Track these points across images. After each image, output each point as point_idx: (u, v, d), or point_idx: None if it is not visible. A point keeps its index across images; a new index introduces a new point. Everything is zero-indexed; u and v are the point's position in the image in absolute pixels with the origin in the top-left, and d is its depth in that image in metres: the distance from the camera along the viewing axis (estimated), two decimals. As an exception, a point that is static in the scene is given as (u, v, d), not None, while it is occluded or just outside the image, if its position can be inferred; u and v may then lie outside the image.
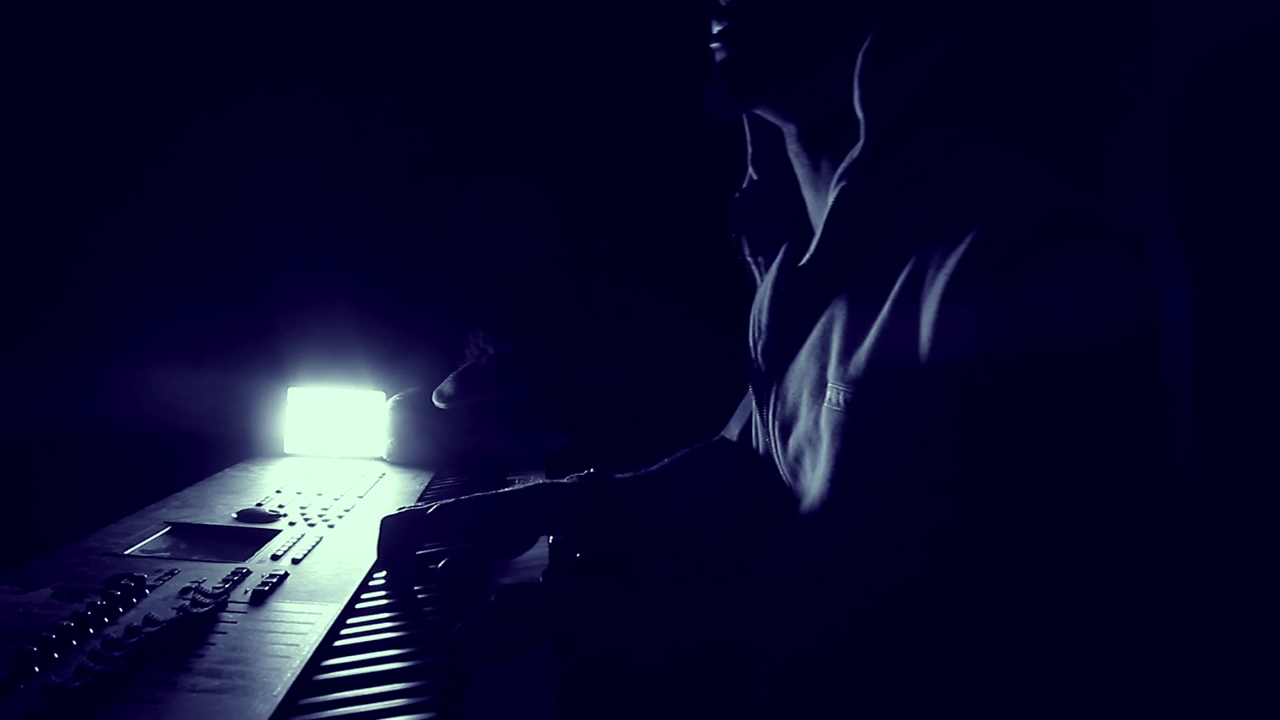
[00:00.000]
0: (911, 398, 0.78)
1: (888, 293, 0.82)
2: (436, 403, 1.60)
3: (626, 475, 1.08)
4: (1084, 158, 1.22)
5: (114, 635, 0.71)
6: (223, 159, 1.71)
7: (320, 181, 1.77)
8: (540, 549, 1.07)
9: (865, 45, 0.85)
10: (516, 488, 1.05)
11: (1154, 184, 1.13)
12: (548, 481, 1.06)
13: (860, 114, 0.85)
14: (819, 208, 0.95)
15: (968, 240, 0.76)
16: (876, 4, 0.85)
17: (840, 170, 0.87)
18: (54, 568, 0.90)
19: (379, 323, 1.77)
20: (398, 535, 0.96)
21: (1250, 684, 1.02)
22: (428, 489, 1.41)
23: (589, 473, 1.06)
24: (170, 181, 1.69)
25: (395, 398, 1.66)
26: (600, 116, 1.03)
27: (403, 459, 1.62)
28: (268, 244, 1.74)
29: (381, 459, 1.64)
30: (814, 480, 0.90)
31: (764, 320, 1.03)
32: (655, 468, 1.13)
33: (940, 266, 0.77)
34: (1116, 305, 0.73)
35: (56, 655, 0.68)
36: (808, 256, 0.92)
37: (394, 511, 1.01)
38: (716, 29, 0.91)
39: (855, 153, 0.85)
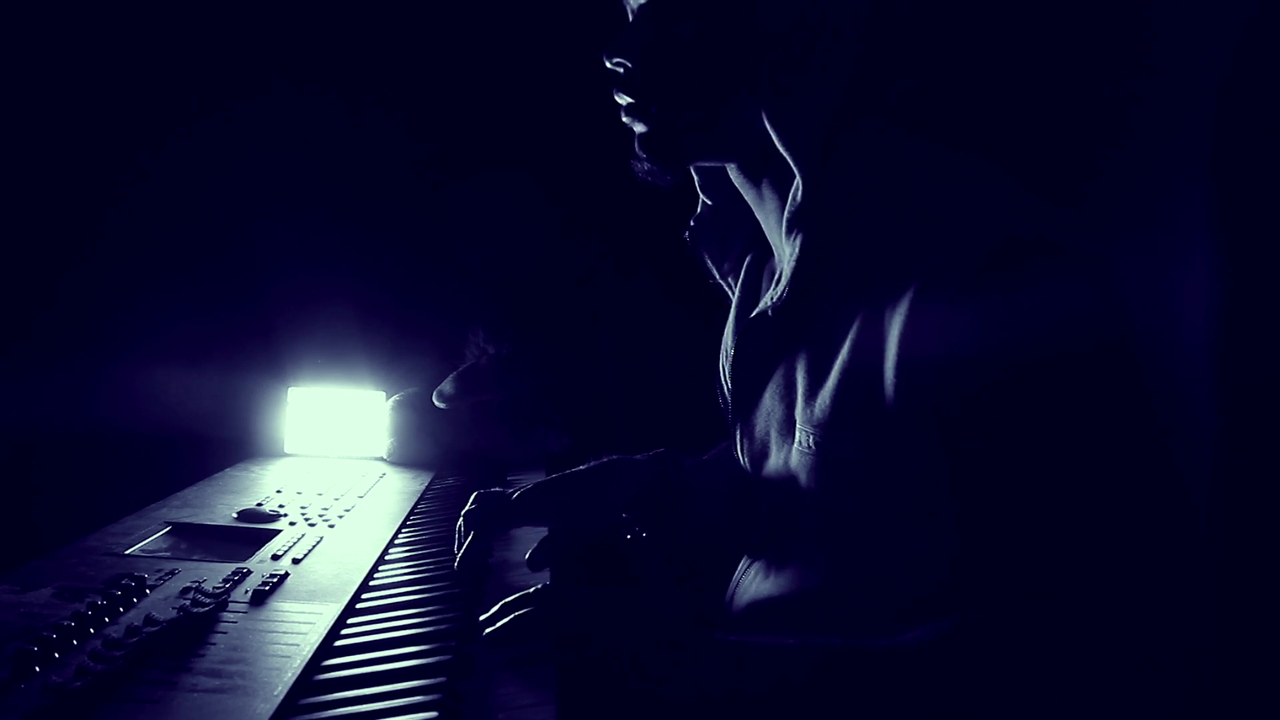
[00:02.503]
0: (880, 437, 0.77)
1: (846, 331, 0.81)
2: (437, 403, 1.60)
3: (689, 460, 1.10)
4: (1060, 165, 1.22)
5: (114, 635, 0.71)
6: (223, 158, 1.71)
7: (320, 181, 1.77)
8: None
9: (764, 91, 0.83)
10: (591, 466, 1.05)
11: (1190, 186, 1.12)
12: (620, 458, 1.07)
13: (786, 155, 0.83)
14: (774, 230, 0.93)
15: (918, 276, 0.74)
16: (765, 43, 0.82)
17: (789, 215, 0.85)
18: (54, 568, 0.90)
19: (379, 323, 1.77)
20: (488, 511, 0.99)
21: (1264, 688, 1.02)
22: (428, 489, 1.41)
23: (660, 452, 1.07)
24: (170, 181, 1.69)
25: (395, 398, 1.66)
26: (601, 116, 1.02)
27: (403, 459, 1.62)
28: (268, 244, 1.74)
29: (382, 459, 1.64)
30: (797, 516, 0.90)
31: (730, 345, 1.01)
32: (708, 456, 1.14)
33: (894, 305, 0.75)
34: (1075, 324, 0.71)
35: (57, 655, 0.68)
36: (774, 302, 0.89)
37: (484, 490, 1.04)
38: (623, 102, 0.91)
39: (799, 197, 0.84)
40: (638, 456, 1.08)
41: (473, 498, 1.04)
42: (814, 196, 0.83)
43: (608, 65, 0.91)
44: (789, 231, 0.86)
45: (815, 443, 0.82)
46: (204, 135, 1.69)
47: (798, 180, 0.84)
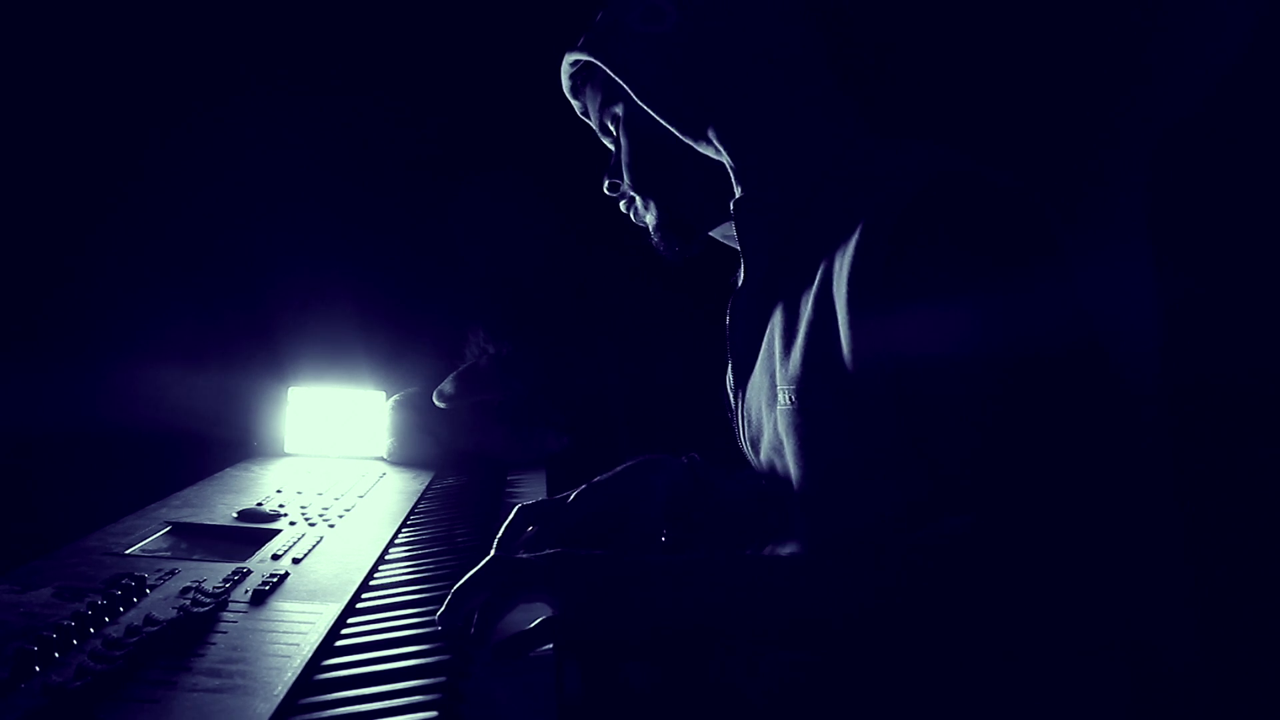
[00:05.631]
0: (847, 384, 0.81)
1: (810, 290, 0.86)
2: (437, 402, 1.60)
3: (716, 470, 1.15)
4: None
5: (114, 635, 0.71)
6: (223, 159, 1.71)
7: (320, 181, 1.77)
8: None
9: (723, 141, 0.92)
10: (631, 464, 1.10)
11: (1132, 198, 1.24)
12: (657, 457, 1.12)
13: (731, 172, 0.94)
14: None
15: (862, 223, 0.79)
16: (719, 109, 0.92)
17: (733, 207, 0.94)
18: (54, 567, 0.90)
19: (379, 323, 1.77)
20: (531, 522, 1.02)
21: (1246, 678, 1.04)
22: (428, 489, 1.41)
23: (692, 457, 1.13)
24: (170, 181, 1.69)
25: (395, 397, 1.66)
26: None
27: (403, 459, 1.62)
28: (268, 244, 1.74)
29: (382, 459, 1.64)
30: (789, 487, 0.92)
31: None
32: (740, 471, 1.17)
33: (844, 254, 0.81)
34: (1012, 248, 0.75)
35: (57, 655, 0.68)
36: (739, 282, 0.98)
37: (529, 503, 1.05)
38: (630, 210, 1.05)
39: (737, 192, 0.94)
40: (673, 458, 1.13)
41: (516, 511, 1.04)
42: (752, 189, 0.92)
43: (608, 193, 1.05)
44: (735, 220, 0.95)
45: (793, 399, 0.86)
46: (203, 134, 1.69)
47: (740, 190, 0.94)
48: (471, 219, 1.81)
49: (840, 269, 0.81)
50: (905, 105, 1.43)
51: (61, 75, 1.59)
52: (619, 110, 1.00)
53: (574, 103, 1.08)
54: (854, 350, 0.79)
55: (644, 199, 1.02)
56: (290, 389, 1.66)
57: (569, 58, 1.01)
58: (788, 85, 0.93)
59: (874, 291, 0.77)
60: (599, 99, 1.02)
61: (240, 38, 1.70)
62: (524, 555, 0.79)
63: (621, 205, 1.06)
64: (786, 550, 0.93)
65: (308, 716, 0.65)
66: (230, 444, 1.62)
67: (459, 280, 1.82)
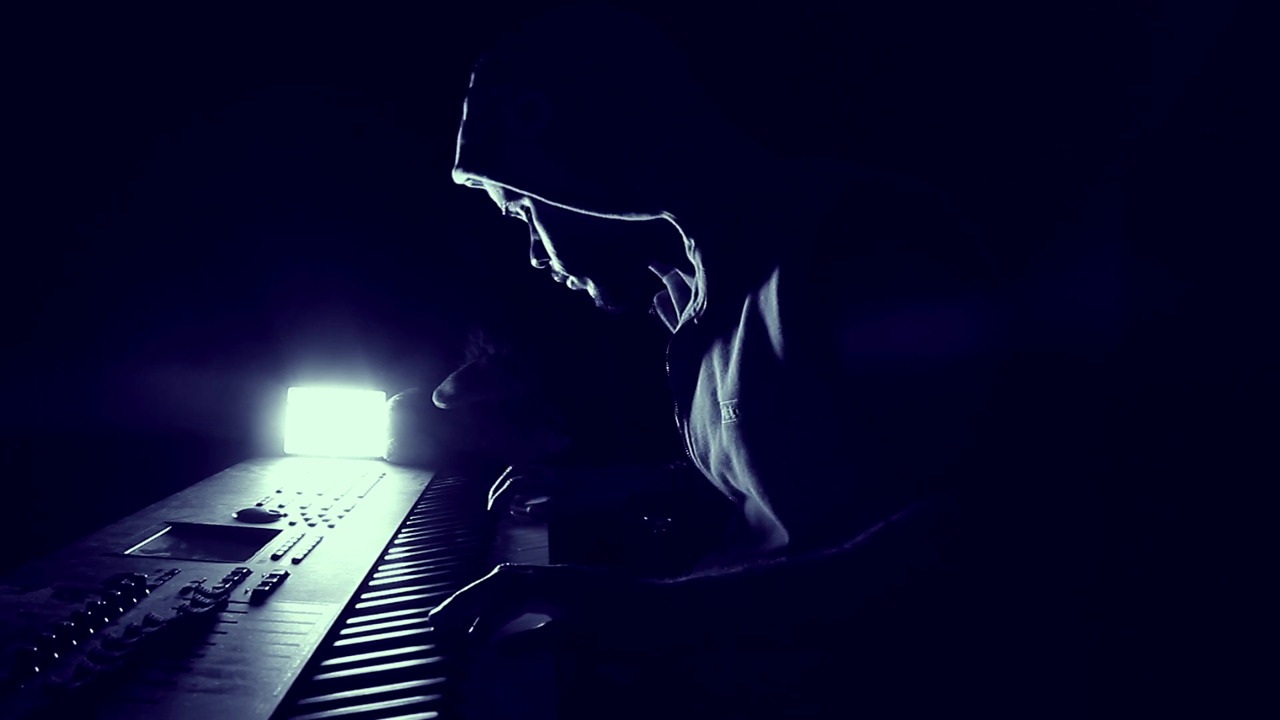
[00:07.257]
0: (785, 390, 0.84)
1: (741, 313, 0.89)
2: (437, 403, 1.60)
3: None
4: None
5: (114, 635, 0.71)
6: (223, 159, 1.71)
7: (319, 181, 1.77)
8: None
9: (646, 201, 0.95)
10: (621, 466, 1.30)
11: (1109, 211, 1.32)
12: (635, 467, 1.30)
13: (678, 225, 0.96)
14: (684, 262, 1.03)
15: (784, 238, 0.84)
16: (628, 177, 0.93)
17: (691, 244, 0.97)
18: (54, 568, 0.90)
19: (379, 323, 1.77)
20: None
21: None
22: (428, 489, 1.41)
23: (679, 464, 1.25)
24: (170, 181, 1.69)
25: (395, 398, 1.66)
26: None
27: (403, 459, 1.62)
28: (268, 244, 1.74)
29: (382, 459, 1.64)
30: (743, 497, 0.95)
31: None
32: None
33: (770, 269, 0.85)
34: (923, 244, 0.79)
35: (57, 655, 0.68)
36: (697, 310, 0.99)
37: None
38: (569, 283, 1.06)
39: (690, 242, 0.97)
40: (661, 467, 1.27)
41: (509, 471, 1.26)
42: (698, 230, 0.95)
43: (536, 266, 1.07)
44: (693, 252, 0.97)
45: (736, 412, 0.90)
46: (203, 135, 1.69)
47: (693, 243, 0.97)
48: (471, 219, 1.81)
49: (769, 284, 0.85)
50: (894, 118, 1.46)
51: (62, 76, 1.59)
52: (527, 203, 1.00)
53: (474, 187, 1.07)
54: (788, 356, 0.83)
55: (579, 277, 1.05)
56: (290, 389, 1.66)
57: (459, 177, 1.00)
58: (685, 131, 0.95)
59: (803, 300, 0.82)
60: (500, 192, 1.02)
61: (241, 38, 1.70)
62: (530, 569, 0.79)
63: (555, 278, 1.07)
64: (772, 558, 0.94)
65: (307, 717, 0.65)
66: (230, 444, 1.62)
67: (459, 280, 1.82)
